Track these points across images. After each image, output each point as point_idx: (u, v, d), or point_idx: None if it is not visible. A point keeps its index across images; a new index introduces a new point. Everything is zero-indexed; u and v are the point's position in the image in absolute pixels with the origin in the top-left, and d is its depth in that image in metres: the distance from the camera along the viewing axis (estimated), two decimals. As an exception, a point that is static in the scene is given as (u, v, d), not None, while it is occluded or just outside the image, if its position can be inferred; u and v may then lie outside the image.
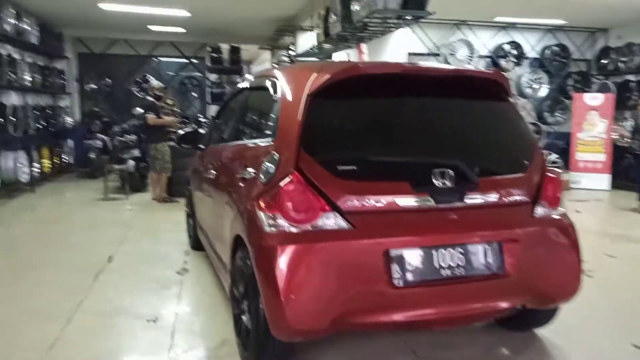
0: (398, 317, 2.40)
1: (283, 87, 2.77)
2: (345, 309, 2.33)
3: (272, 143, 2.62)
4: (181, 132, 4.51)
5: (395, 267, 2.37)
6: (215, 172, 3.56)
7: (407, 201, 2.44)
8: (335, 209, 2.35)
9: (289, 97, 2.66)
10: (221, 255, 3.36)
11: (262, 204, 2.46)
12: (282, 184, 2.38)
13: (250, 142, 3.08)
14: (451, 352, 2.92)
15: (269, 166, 2.53)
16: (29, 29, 8.95)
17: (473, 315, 2.59)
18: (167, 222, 6.52)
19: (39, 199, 7.95)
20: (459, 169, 2.54)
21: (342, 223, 2.34)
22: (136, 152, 8.63)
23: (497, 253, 2.53)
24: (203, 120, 10.05)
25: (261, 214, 2.44)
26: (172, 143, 7.33)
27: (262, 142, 2.78)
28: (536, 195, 2.68)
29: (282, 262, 2.29)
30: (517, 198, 2.65)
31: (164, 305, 3.61)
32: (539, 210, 2.67)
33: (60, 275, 4.26)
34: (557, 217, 2.72)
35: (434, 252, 2.44)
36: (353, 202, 2.37)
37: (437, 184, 2.47)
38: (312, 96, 2.48)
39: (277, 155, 2.50)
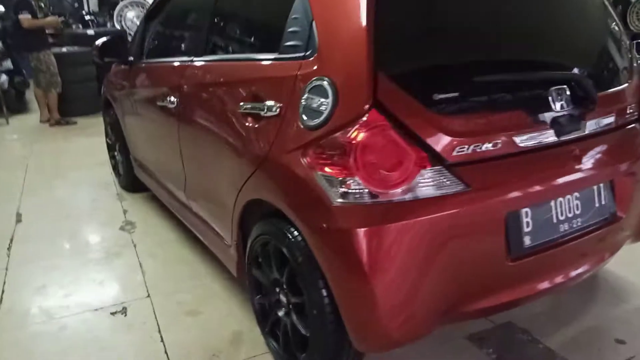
0: (518, 293, 1.76)
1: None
2: (458, 297, 1.63)
3: (312, 60, 1.66)
4: (100, 40, 3.19)
5: (515, 232, 1.68)
6: (176, 100, 2.50)
7: (526, 138, 1.68)
8: (440, 161, 1.54)
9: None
10: (208, 218, 2.45)
11: (319, 162, 1.58)
12: (356, 129, 1.50)
13: (250, 58, 2.06)
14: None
15: (318, 100, 1.60)
16: None
17: (585, 273, 2.02)
18: (74, 153, 5.22)
19: None
20: (576, 83, 1.82)
21: (452, 182, 1.55)
22: (7, 64, 6.78)
23: (610, 191, 1.95)
24: (88, 18, 8.14)
25: (321, 178, 1.56)
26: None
27: (284, 59, 1.80)
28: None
29: (375, 251, 1.49)
30: (630, 117, 2.02)
31: (126, 285, 2.67)
32: (649, 129, 2.08)
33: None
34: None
35: (552, 203, 1.78)
36: (463, 149, 1.57)
37: (555, 109, 1.75)
38: None
39: (330, 81, 1.58)
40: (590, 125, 1.83)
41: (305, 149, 1.62)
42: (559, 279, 1.86)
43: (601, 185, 1.90)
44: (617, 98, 1.97)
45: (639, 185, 2.01)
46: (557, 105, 1.74)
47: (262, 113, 1.82)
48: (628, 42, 2.17)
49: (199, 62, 2.38)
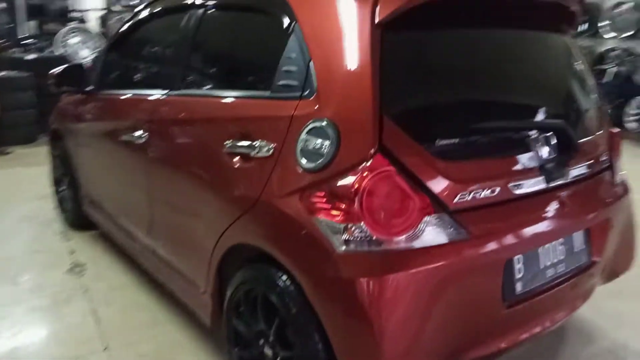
0: (510, 340, 1.74)
1: (309, 11, 1.72)
2: (457, 345, 1.59)
3: (310, 101, 1.61)
4: (60, 67, 2.99)
5: (509, 279, 1.67)
6: (146, 134, 2.35)
7: (520, 184, 1.70)
8: (442, 208, 1.52)
9: (334, 28, 1.63)
10: (177, 263, 2.28)
11: (320, 207, 1.50)
12: (361, 174, 1.44)
13: (236, 95, 1.96)
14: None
15: (318, 142, 1.54)
16: None
17: (567, 316, 2.04)
18: (11, 186, 4.83)
19: None
20: (562, 131, 1.87)
21: (454, 229, 1.52)
22: None
23: (588, 236, 2.00)
24: (27, 42, 7.72)
25: (322, 224, 1.49)
26: None
27: (277, 97, 1.73)
28: (610, 156, 2.17)
29: (382, 301, 1.41)
30: (603, 164, 2.10)
31: (79, 337, 2.42)
32: (617, 176, 2.17)
33: None
34: (623, 179, 2.26)
35: (540, 249, 1.80)
36: (465, 196, 1.56)
37: (544, 156, 1.78)
38: (384, 27, 1.53)
39: (332, 123, 1.53)
40: (572, 172, 1.88)
41: (304, 193, 1.54)
42: (545, 324, 1.86)
43: (581, 230, 1.94)
44: (592, 146, 2.04)
45: (612, 230, 2.07)
46: (545, 152, 1.78)
47: (251, 153, 1.73)
48: (598, 93, 2.28)
49: (175, 96, 2.26)
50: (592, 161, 1.98)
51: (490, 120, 1.72)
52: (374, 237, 1.43)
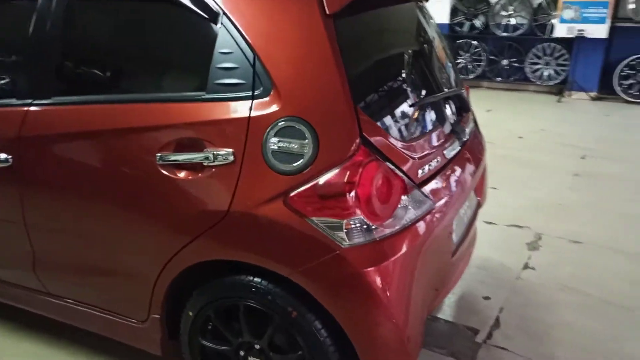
0: (453, 281, 2.05)
1: (240, 1, 1.58)
2: (434, 294, 1.85)
3: (268, 100, 1.52)
4: None
5: (452, 233, 1.94)
6: (11, 157, 1.88)
7: (450, 149, 1.93)
8: (413, 185, 1.64)
9: (282, 21, 1.55)
10: (94, 299, 1.96)
11: (313, 207, 1.48)
12: (351, 167, 1.46)
13: (151, 98, 1.68)
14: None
15: (293, 142, 1.49)
16: None
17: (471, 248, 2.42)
18: None
19: None
20: (457, 97, 2.15)
21: (424, 202, 1.67)
22: None
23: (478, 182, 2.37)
24: None
25: (319, 223, 1.47)
26: None
27: (219, 99, 1.58)
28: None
29: (391, 283, 1.51)
30: (473, 117, 2.47)
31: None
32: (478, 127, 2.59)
33: None
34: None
35: (465, 202, 2.09)
36: (424, 170, 1.71)
37: (452, 121, 2.04)
38: (335, 16, 1.52)
39: (303, 121, 1.49)
40: (467, 130, 2.20)
41: (288, 197, 1.50)
42: (464, 259, 2.21)
43: (477, 177, 2.30)
44: (467, 104, 2.39)
45: (484, 173, 2.49)
46: (452, 118, 2.05)
47: (205, 163, 1.58)
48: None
49: (47, 105, 1.85)
50: (470, 117, 2.33)
51: (423, 96, 1.88)
52: (372, 226, 1.50)
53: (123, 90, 1.82)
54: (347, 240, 1.47)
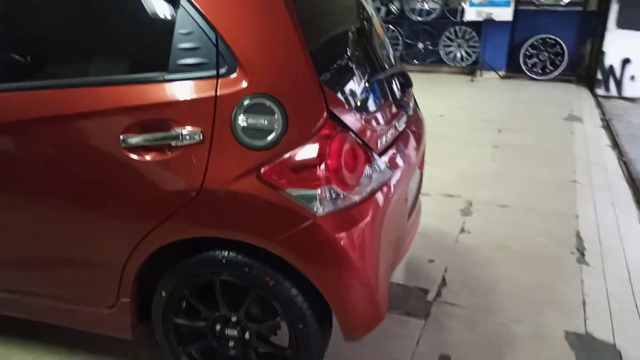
0: (409, 242, 2.22)
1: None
2: (397, 252, 2.01)
3: (235, 78, 1.56)
4: None
5: (408, 201, 2.09)
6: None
7: (400, 122, 2.07)
8: (374, 155, 1.76)
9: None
10: (53, 288, 1.91)
11: (286, 180, 1.55)
12: (321, 140, 1.55)
13: (109, 81, 1.65)
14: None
15: (261, 118, 1.54)
16: None
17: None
18: None
19: None
20: (401, 74, 2.29)
21: (386, 170, 1.79)
22: None
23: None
24: None
25: (294, 195, 1.55)
26: None
27: (183, 79, 1.59)
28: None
29: (364, 245, 1.63)
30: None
31: None
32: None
33: None
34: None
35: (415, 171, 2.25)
36: (382, 140, 1.84)
37: (399, 96, 2.19)
38: None
39: (271, 97, 1.55)
40: (411, 104, 2.35)
41: (260, 171, 1.56)
42: (415, 223, 2.39)
43: (421, 149, 2.46)
44: (408, 79, 2.53)
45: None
46: (398, 93, 2.19)
47: (173, 143, 1.60)
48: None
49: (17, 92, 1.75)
50: (412, 93, 2.49)
51: (377, 71, 1.99)
52: (342, 194, 1.60)
53: (82, 73, 1.77)
54: (321, 209, 1.56)
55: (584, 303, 2.50)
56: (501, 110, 6.60)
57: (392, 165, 1.86)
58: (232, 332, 1.80)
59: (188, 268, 1.73)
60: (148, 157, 1.63)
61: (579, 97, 7.61)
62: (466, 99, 7.42)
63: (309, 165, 1.56)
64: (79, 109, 1.68)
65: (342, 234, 1.59)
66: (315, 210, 1.56)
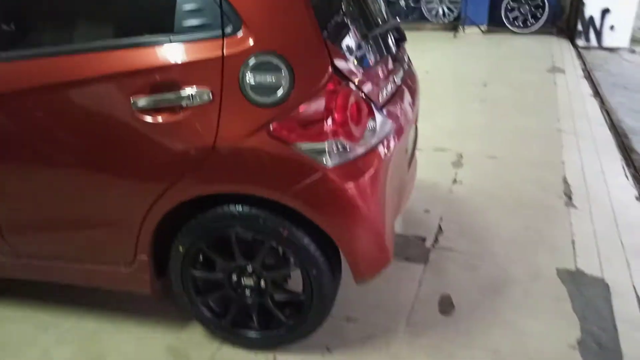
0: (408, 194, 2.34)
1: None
2: (399, 201, 2.10)
3: (240, 38, 1.60)
4: None
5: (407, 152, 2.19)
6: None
7: (398, 77, 2.14)
8: (377, 108, 1.83)
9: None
10: (71, 251, 1.98)
11: (296, 135, 1.62)
12: (328, 95, 1.61)
13: (115, 45, 1.68)
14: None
15: (269, 76, 1.60)
16: None
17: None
18: None
19: None
20: (396, 29, 2.34)
21: (388, 122, 1.87)
22: None
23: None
24: None
25: (304, 149, 1.62)
26: None
27: (190, 40, 1.63)
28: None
29: (372, 194, 1.72)
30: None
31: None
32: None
33: None
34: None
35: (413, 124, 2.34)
36: (383, 94, 1.91)
37: (394, 52, 2.24)
38: None
39: (277, 55, 1.60)
40: (405, 58, 2.41)
41: (270, 127, 1.62)
42: (413, 180, 2.49)
43: (416, 103, 2.53)
44: (402, 34, 2.58)
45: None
46: (394, 49, 2.25)
47: (183, 103, 1.65)
48: None
49: (2, 61, 1.78)
50: (405, 48, 2.54)
51: (375, 25, 2.04)
52: (349, 146, 1.67)
53: (90, 39, 1.79)
54: (329, 161, 1.64)
55: (573, 243, 2.65)
56: (485, 64, 6.66)
57: (392, 118, 1.93)
58: (248, 281, 1.90)
59: (204, 223, 1.81)
60: (160, 119, 1.68)
61: (560, 49, 7.70)
62: (450, 54, 7.46)
63: (316, 120, 1.63)
64: (89, 74, 1.71)
65: (351, 184, 1.67)
66: (324, 162, 1.64)
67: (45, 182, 1.87)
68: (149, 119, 1.68)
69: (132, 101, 1.67)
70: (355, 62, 1.78)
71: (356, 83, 1.72)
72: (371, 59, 1.93)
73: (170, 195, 1.76)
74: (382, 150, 1.80)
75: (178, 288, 1.96)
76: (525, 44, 7.97)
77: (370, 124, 1.76)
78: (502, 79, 5.90)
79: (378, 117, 1.81)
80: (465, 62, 6.86)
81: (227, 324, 1.99)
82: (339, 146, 1.65)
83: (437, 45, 8.11)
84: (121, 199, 1.81)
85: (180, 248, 1.87)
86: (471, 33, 8.83)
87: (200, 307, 1.98)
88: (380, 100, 1.87)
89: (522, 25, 8.63)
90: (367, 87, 1.79)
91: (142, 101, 1.67)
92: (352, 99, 1.67)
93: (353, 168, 1.69)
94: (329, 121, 1.63)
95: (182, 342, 2.06)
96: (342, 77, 1.68)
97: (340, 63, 1.68)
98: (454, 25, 9.07)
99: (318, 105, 1.62)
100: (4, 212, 1.97)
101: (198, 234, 1.83)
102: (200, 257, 1.90)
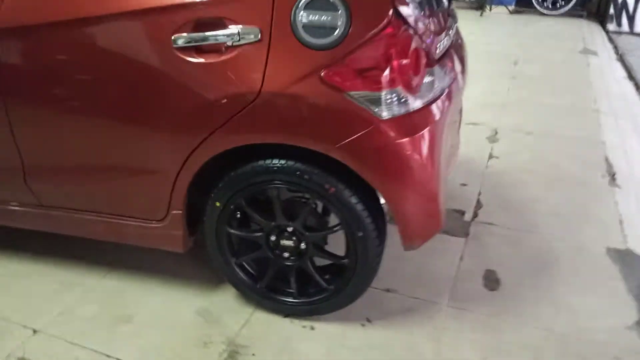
0: None
1: None
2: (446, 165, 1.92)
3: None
4: None
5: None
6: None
7: (451, 32, 1.99)
8: (436, 60, 1.68)
9: None
10: (103, 204, 1.87)
11: (351, 82, 1.47)
12: (387, 39, 1.46)
13: None
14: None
15: (324, 15, 1.45)
16: None
17: None
18: None
19: None
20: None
21: (446, 76, 1.72)
22: None
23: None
24: None
25: (358, 98, 1.48)
26: None
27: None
28: None
29: (430, 150, 1.58)
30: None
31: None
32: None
33: None
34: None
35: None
36: (440, 47, 1.75)
37: (446, 3, 2.09)
38: None
39: (334, -7, 1.45)
40: (456, 16, 2.25)
41: (323, 72, 1.48)
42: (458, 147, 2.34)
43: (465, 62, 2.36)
44: None
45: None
46: (446, 2, 2.09)
47: (229, 42, 1.51)
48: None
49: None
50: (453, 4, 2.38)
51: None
52: (407, 98, 1.53)
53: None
54: (385, 112, 1.50)
55: (620, 222, 2.50)
56: (514, 43, 6.44)
57: (448, 71, 1.78)
58: (287, 242, 1.78)
59: (245, 177, 1.68)
60: (202, 59, 1.54)
61: (590, 32, 7.43)
62: (478, 33, 7.21)
63: (373, 66, 1.48)
64: (128, 7, 1.57)
65: (406, 140, 1.53)
66: (380, 113, 1.50)
67: (75, 125, 1.74)
68: (191, 58, 1.54)
69: (173, 38, 1.53)
70: (417, 8, 1.63)
71: (416, 29, 1.57)
72: (430, 7, 1.77)
73: (209, 144, 1.63)
74: (439, 105, 1.65)
75: (212, 247, 1.84)
76: (554, 25, 7.70)
77: (428, 75, 1.61)
78: (533, 58, 5.68)
79: (437, 69, 1.66)
80: (493, 41, 6.63)
81: (263, 288, 1.87)
82: (397, 96, 1.51)
83: (463, 24, 7.82)
84: (157, 147, 1.68)
85: (217, 203, 1.74)
86: (498, 12, 8.56)
87: (234, 268, 1.86)
88: (437, 53, 1.72)
89: (551, 7, 8.34)
90: (426, 36, 1.64)
91: (183, 39, 1.53)
92: (413, 45, 1.52)
93: (410, 122, 1.55)
94: (388, 68, 1.48)
95: (213, 305, 1.94)
96: (403, 21, 1.53)
97: (401, 6, 1.52)
98: (480, 3, 8.79)
99: (376, 50, 1.47)
100: (29, 157, 1.85)
101: (237, 188, 1.70)
102: (238, 214, 1.78)
